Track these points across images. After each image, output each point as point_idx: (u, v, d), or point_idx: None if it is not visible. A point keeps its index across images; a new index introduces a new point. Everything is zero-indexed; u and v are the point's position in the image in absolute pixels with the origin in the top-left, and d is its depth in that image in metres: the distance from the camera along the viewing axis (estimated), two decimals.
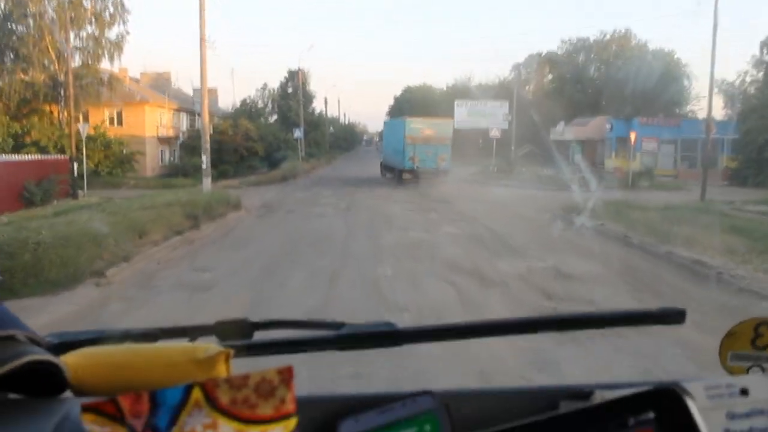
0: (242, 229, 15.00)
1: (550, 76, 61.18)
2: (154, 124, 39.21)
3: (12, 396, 0.76)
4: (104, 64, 32.83)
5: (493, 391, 0.82)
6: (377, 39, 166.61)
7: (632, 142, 28.49)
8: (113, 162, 31.43)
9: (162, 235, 11.93)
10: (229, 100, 75.97)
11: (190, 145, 39.64)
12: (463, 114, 53.07)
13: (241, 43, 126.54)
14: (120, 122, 37.47)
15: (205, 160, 19.40)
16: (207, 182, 19.16)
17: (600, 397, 0.77)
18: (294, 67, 55.55)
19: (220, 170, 37.14)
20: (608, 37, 54.36)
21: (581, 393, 0.78)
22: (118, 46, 32.32)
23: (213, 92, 57.97)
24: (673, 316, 0.92)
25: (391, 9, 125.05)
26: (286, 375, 0.64)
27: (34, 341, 0.78)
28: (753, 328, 0.93)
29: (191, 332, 0.99)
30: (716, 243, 11.60)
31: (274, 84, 59.10)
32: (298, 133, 42.40)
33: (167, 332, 0.98)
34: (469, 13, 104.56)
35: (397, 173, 30.33)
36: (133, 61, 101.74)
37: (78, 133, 23.82)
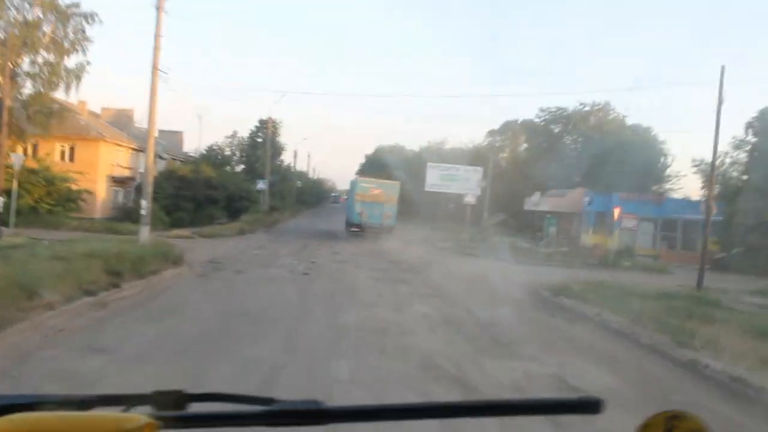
0: (174, 293, 12.53)
1: (525, 145, 60.26)
2: (109, 162, 36.67)
3: None
4: (62, 95, 30.48)
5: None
6: (352, 95, 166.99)
7: (615, 218, 26.88)
8: (56, 199, 28.65)
9: (65, 296, 9.42)
10: (195, 144, 73.34)
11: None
12: (435, 177, 51.47)
13: (213, 89, 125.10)
14: (72, 158, 34.88)
15: (144, 206, 16.91)
16: (145, 231, 16.60)
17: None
18: (265, 117, 53.58)
19: (174, 218, 34.63)
20: (587, 108, 53.66)
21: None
22: (76, 75, 29.93)
23: (178, 135, 55.76)
24: (590, 406, 0.92)
25: (367, 65, 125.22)
26: None
27: None
28: (665, 420, 0.93)
29: (127, 401, 0.97)
30: (744, 348, 9.54)
31: (245, 133, 57.02)
32: (261, 185, 40.09)
33: (103, 400, 0.96)
34: (447, 76, 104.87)
35: (347, 226, 33.43)
36: (98, 96, 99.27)
37: (7, 165, 21.16)
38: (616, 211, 26.72)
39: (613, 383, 7.75)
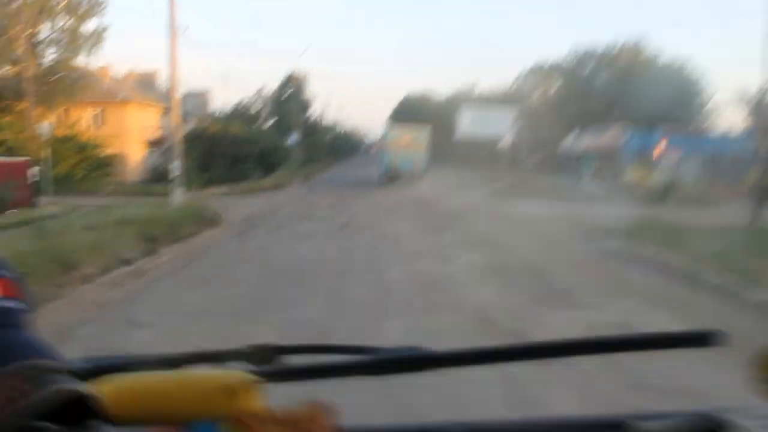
0: (212, 255, 12.18)
1: (556, 86, 58.49)
2: (139, 124, 36.47)
3: (44, 426, 0.71)
4: (84, 60, 30.13)
5: (520, 423, 0.83)
6: (379, 45, 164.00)
7: (660, 152, 25.74)
8: (89, 166, 28.57)
9: (101, 267, 9.11)
10: (222, 104, 72.51)
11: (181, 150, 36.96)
12: (467, 121, 50.54)
13: (238, 45, 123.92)
14: (102, 122, 34.76)
15: (175, 166, 16.50)
16: (178, 193, 16.24)
17: (635, 428, 0.73)
18: (291, 71, 52.70)
19: (208, 176, 34.46)
20: (618, 48, 51.53)
21: (614, 424, 0.75)
22: (96, 40, 29.50)
23: (205, 95, 55.27)
24: (712, 338, 0.84)
25: (393, 13, 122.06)
26: (315, 413, 0.66)
27: (65, 370, 0.77)
28: None
29: (222, 357, 0.95)
30: None
31: (274, 87, 56.25)
32: (292, 139, 39.56)
33: (199, 357, 0.94)
34: (473, 20, 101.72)
35: (381, 174, 33.69)
36: (122, 60, 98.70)
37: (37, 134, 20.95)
38: (662, 145, 25.59)
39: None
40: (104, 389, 0.76)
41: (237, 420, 0.65)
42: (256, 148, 38.63)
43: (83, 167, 27.99)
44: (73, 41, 28.89)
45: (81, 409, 0.72)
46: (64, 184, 26.56)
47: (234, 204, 22.64)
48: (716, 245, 12.61)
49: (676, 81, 42.09)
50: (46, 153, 21.36)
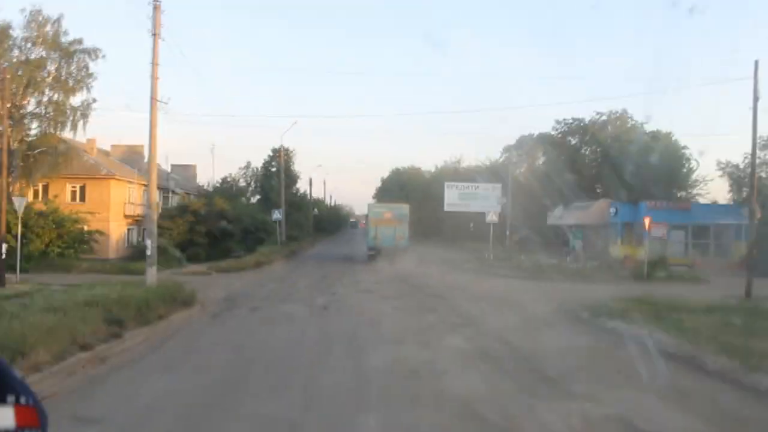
0: (182, 340, 11.48)
1: (542, 159, 58.87)
2: (121, 200, 35.99)
3: None
4: (69, 134, 29.84)
5: None
6: (365, 120, 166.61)
7: (647, 228, 25.48)
8: (67, 242, 27.85)
9: (56, 353, 8.40)
10: (209, 177, 72.15)
11: (162, 227, 36.35)
12: (453, 196, 50.48)
13: (224, 121, 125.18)
14: (83, 198, 34.26)
15: (149, 245, 15.91)
16: (151, 272, 15.55)
17: None
18: (278, 146, 52.81)
19: (190, 253, 33.75)
20: (604, 117, 52.26)
21: None
22: (83, 113, 29.28)
23: (191, 168, 55.24)
24: None
25: (378, 89, 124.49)
26: None
27: None
28: None
29: None
30: None
31: (259, 163, 56.26)
32: (277, 215, 39.15)
33: None
34: (460, 95, 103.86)
35: (367, 250, 34.71)
36: (107, 134, 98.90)
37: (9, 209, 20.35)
38: (647, 221, 25.37)
39: (692, 426, 6.57)
40: None
41: None
42: (241, 225, 38.16)
43: (59, 244, 27.27)
44: (58, 114, 28.67)
45: None
46: (39, 260, 25.80)
47: (213, 283, 21.95)
48: (710, 324, 12.10)
49: (664, 148, 42.35)
50: (17, 229, 20.70)
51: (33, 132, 28.99)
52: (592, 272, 26.41)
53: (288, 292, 18.86)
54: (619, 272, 26.34)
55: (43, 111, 28.73)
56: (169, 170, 49.24)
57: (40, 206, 28.12)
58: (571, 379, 8.54)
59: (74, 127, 29.20)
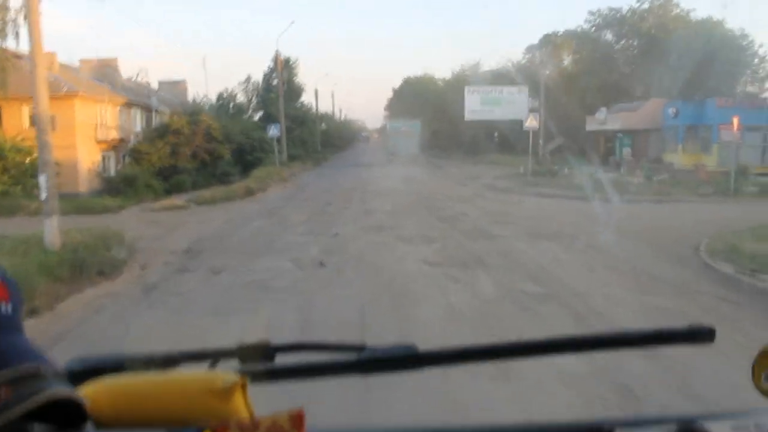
0: (71, 347, 6.58)
1: (569, 58, 52.35)
2: (90, 123, 30.71)
3: (36, 428, 0.73)
4: (13, 43, 24.43)
5: (509, 427, 0.82)
6: (374, 26, 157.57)
7: (735, 129, 20.04)
8: (14, 176, 22.89)
9: None
10: (204, 94, 64.90)
11: (140, 151, 31.29)
12: (474, 102, 44.77)
13: (220, 31, 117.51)
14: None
15: (43, 182, 10.73)
16: (50, 226, 10.38)
17: None
18: (277, 53, 46.72)
19: (173, 182, 28.90)
20: (645, 5, 45.32)
21: (601, 430, 0.76)
22: (25, 16, 23.71)
23: (181, 85, 49.37)
24: (702, 335, 0.85)
25: None
26: (297, 420, 0.66)
27: (55, 374, 0.76)
28: None
29: (213, 356, 0.95)
30: None
31: (260, 76, 50.34)
32: (273, 131, 33.85)
33: (189, 356, 0.94)
34: None
35: (387, 155, 47.57)
36: (78, 50, 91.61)
37: None
38: (735, 121, 19.90)
39: None
40: (93, 392, 0.76)
41: (220, 428, 0.66)
42: (233, 144, 33.07)
43: (4, 180, 22.30)
44: None
45: (69, 412, 0.72)
46: None
47: (184, 222, 17.08)
48: None
49: (720, 39, 36.09)
50: None
51: None
52: (662, 188, 21.19)
53: (274, 234, 13.89)
54: (697, 188, 21.09)
55: None
56: (156, 88, 43.79)
57: None
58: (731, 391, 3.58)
59: (17, 36, 23.74)
